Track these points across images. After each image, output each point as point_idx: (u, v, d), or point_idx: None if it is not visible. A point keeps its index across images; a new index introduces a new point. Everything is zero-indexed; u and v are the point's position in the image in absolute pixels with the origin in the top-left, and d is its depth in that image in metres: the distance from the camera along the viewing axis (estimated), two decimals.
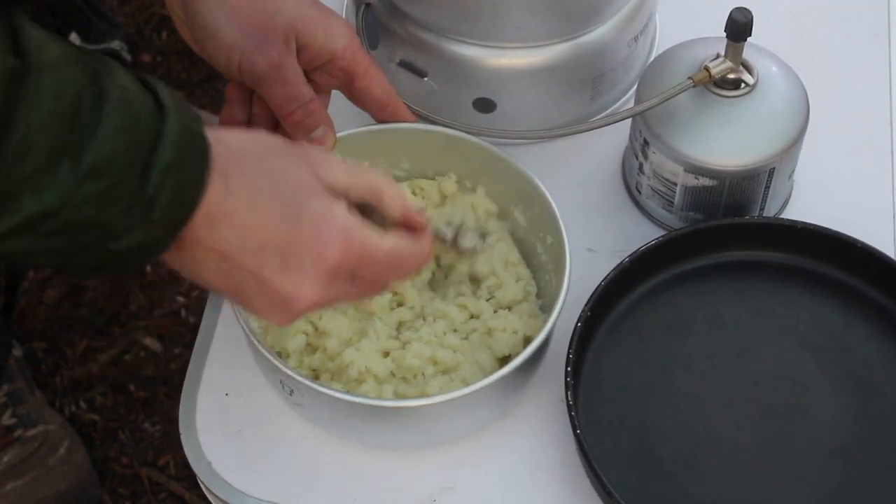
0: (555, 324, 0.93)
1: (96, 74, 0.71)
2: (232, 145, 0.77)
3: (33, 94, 0.67)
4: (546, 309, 0.98)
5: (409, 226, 0.84)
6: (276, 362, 0.90)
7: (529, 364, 0.93)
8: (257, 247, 0.77)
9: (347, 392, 0.92)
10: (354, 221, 0.79)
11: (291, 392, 0.92)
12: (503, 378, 0.90)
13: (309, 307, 0.79)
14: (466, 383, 0.93)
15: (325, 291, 0.79)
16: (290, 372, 0.89)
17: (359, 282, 0.82)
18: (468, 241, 0.91)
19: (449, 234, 0.90)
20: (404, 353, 0.95)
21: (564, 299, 0.93)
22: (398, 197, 0.83)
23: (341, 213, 0.79)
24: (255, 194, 0.77)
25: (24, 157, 0.67)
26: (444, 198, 1.04)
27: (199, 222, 0.75)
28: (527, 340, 0.96)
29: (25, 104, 0.67)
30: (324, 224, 0.78)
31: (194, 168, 0.74)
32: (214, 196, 0.75)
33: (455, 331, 0.98)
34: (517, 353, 0.93)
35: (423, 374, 0.95)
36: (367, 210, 0.82)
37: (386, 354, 0.96)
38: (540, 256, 1.01)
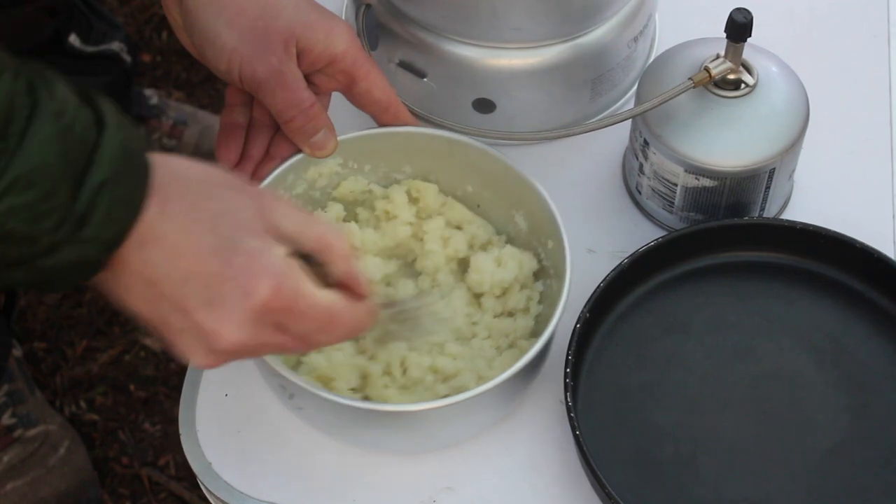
0: (555, 330, 0.93)
1: (32, 86, 0.69)
2: (178, 172, 0.75)
3: None
4: (546, 315, 0.98)
5: (349, 289, 0.81)
6: (277, 367, 0.89)
7: (531, 368, 0.93)
8: (184, 276, 0.74)
9: (348, 397, 0.92)
10: (292, 267, 0.77)
11: (292, 396, 0.92)
12: (505, 382, 0.90)
13: (232, 349, 0.76)
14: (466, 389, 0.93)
15: (249, 335, 0.76)
16: (291, 377, 0.89)
17: (286, 335, 0.78)
18: (408, 325, 0.91)
19: (388, 311, 0.90)
20: (407, 362, 0.95)
21: (563, 308, 0.93)
22: (346, 257, 0.81)
23: (278, 256, 0.76)
24: (191, 222, 0.74)
25: None
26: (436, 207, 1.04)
27: (130, 244, 0.73)
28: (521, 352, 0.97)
29: None
30: (256, 262, 0.75)
31: (131, 187, 0.72)
32: (148, 217, 0.73)
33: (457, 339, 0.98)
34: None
35: (423, 382, 0.95)
36: (312, 265, 0.80)
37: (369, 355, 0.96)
38: (542, 261, 1.01)
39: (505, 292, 1.00)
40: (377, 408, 0.91)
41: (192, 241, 0.74)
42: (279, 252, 0.76)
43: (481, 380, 0.94)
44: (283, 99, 0.94)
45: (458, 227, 1.03)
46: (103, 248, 0.72)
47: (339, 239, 0.81)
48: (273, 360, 0.89)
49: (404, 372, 0.95)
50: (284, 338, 0.79)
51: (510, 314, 0.99)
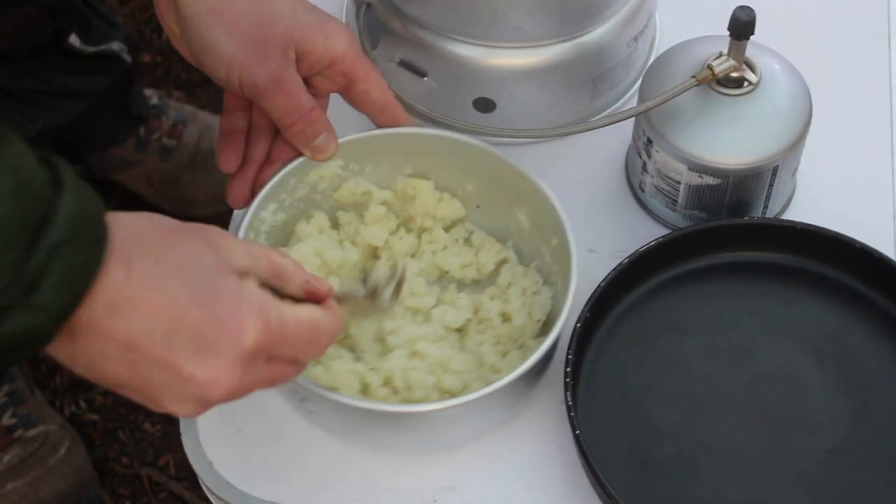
0: (560, 333, 0.93)
1: None
2: (130, 228, 0.73)
3: None
4: (553, 313, 0.99)
5: (313, 299, 0.80)
6: None
7: (539, 367, 0.93)
8: (167, 332, 0.72)
9: (361, 399, 0.92)
10: (268, 297, 0.76)
11: (303, 399, 0.92)
12: (514, 381, 0.90)
13: (225, 395, 0.75)
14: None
15: (242, 376, 0.75)
16: (302, 381, 0.89)
17: (275, 363, 0.78)
18: (385, 297, 0.90)
19: (361, 291, 0.90)
20: (409, 378, 0.95)
21: (571, 304, 0.93)
22: (298, 272, 0.80)
23: (254, 291, 0.75)
24: (160, 277, 0.72)
25: None
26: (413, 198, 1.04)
27: (98, 311, 0.70)
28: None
29: None
30: (238, 304, 0.74)
31: (88, 250, 0.69)
32: (115, 281, 0.70)
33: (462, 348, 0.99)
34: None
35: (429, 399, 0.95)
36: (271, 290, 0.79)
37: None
38: (545, 258, 1.01)
39: (505, 292, 1.00)
40: (391, 409, 0.91)
41: (168, 295, 0.72)
42: (253, 286, 0.76)
43: (489, 383, 0.94)
44: (283, 105, 0.94)
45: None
46: (57, 316, 0.69)
47: (284, 258, 0.80)
48: None
49: (406, 385, 0.95)
50: (275, 367, 0.78)
51: (513, 315, 0.99)
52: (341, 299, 0.85)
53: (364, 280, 0.92)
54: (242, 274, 0.76)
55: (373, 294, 0.90)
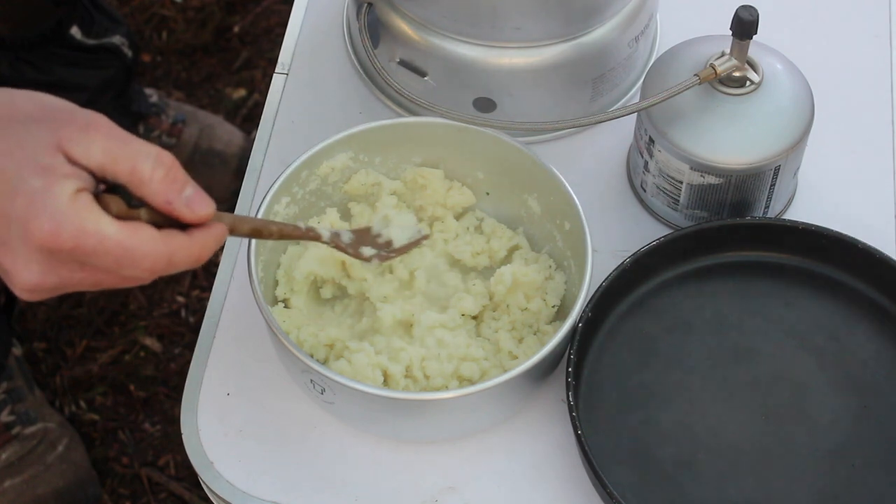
0: (574, 325, 0.93)
1: None
2: None
3: None
4: (568, 299, 1.00)
5: (176, 219, 0.77)
6: (309, 362, 0.90)
7: (557, 352, 0.94)
8: None
9: (384, 388, 0.93)
10: (76, 206, 0.74)
11: (323, 391, 0.92)
12: (534, 366, 0.91)
13: (32, 287, 0.75)
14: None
15: (43, 274, 0.74)
16: (325, 372, 0.90)
17: (90, 269, 0.76)
18: (366, 252, 0.91)
19: (325, 235, 0.89)
20: (428, 368, 0.96)
21: (589, 286, 0.94)
22: (164, 188, 0.76)
23: (61, 196, 0.73)
24: None
25: None
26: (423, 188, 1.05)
27: None
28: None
29: None
30: (35, 205, 0.73)
31: None
32: None
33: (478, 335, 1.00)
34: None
35: (446, 387, 0.96)
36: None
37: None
38: (556, 243, 1.01)
39: (518, 282, 1.00)
40: (416, 397, 0.92)
41: None
42: (62, 190, 0.74)
43: (506, 370, 0.94)
44: None
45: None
46: None
47: (155, 167, 0.76)
48: (304, 356, 0.90)
49: (425, 374, 0.96)
50: (90, 272, 0.76)
51: (529, 301, 1.00)
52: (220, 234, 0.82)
53: (368, 229, 0.92)
54: (80, 171, 0.74)
55: (350, 245, 0.90)
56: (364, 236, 0.93)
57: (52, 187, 0.73)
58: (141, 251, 0.75)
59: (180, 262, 0.77)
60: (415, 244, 0.94)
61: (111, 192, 0.77)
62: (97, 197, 0.76)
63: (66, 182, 0.74)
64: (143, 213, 0.76)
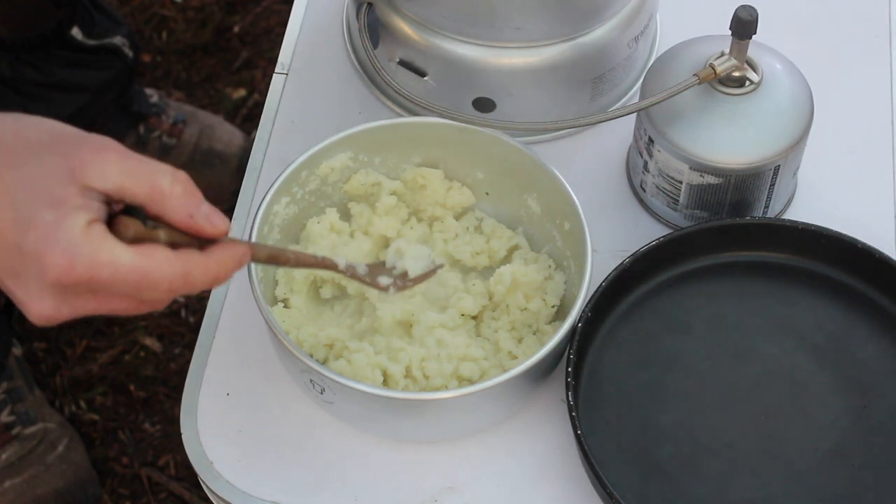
0: (574, 325, 0.93)
1: None
2: None
3: None
4: (567, 299, 1.00)
5: (197, 236, 0.78)
6: (309, 362, 0.90)
7: (558, 351, 0.94)
8: None
9: (384, 388, 0.93)
10: (89, 237, 0.74)
11: (322, 391, 0.92)
12: (535, 365, 0.91)
13: (41, 319, 0.75)
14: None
15: (57, 305, 0.75)
16: (325, 372, 0.90)
17: (106, 297, 0.76)
18: (383, 281, 0.91)
19: (342, 264, 0.88)
20: (428, 368, 0.96)
21: (588, 285, 0.94)
22: (183, 205, 0.77)
23: (73, 229, 0.73)
24: None
25: None
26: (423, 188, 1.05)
27: None
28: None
29: None
30: (48, 239, 0.73)
31: None
32: None
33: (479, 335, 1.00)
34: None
35: (445, 387, 0.96)
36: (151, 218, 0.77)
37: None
38: (556, 243, 1.01)
39: (517, 281, 1.01)
40: (416, 397, 0.92)
41: None
42: (74, 224, 0.74)
43: (506, 370, 0.94)
44: None
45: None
46: None
47: (174, 183, 0.76)
48: (304, 356, 0.91)
49: (425, 375, 0.96)
50: (104, 300, 0.76)
51: (528, 301, 1.00)
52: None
53: (382, 263, 0.92)
54: (95, 200, 0.74)
55: (367, 275, 0.90)
56: (379, 270, 0.93)
57: (65, 221, 0.73)
58: (159, 273, 0.75)
59: (198, 280, 0.77)
60: (430, 274, 0.94)
61: (126, 215, 0.77)
62: (114, 219, 0.76)
63: (78, 214, 0.74)
64: (161, 233, 0.77)
